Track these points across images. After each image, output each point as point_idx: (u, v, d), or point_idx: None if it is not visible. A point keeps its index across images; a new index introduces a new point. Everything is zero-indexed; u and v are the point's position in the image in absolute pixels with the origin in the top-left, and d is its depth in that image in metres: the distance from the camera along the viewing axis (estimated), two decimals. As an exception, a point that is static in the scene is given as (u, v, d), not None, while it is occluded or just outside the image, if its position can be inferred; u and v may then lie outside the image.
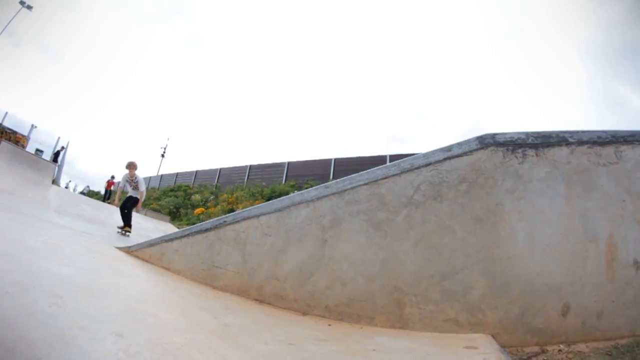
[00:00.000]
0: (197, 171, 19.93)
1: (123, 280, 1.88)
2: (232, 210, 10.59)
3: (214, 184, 17.10)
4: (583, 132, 1.72)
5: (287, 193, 11.52)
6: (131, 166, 5.54)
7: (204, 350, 1.32)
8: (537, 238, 1.61)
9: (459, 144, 1.67)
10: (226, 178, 17.48)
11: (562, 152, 1.67)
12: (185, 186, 17.65)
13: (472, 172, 1.62)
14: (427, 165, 1.64)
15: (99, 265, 1.99)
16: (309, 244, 1.75)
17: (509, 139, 1.64)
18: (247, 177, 16.35)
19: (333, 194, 1.74)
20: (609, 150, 1.73)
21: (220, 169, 18.41)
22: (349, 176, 1.75)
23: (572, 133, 1.70)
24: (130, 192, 5.54)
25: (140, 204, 5.54)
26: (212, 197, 13.51)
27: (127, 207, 5.41)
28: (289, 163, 15.47)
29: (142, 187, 5.54)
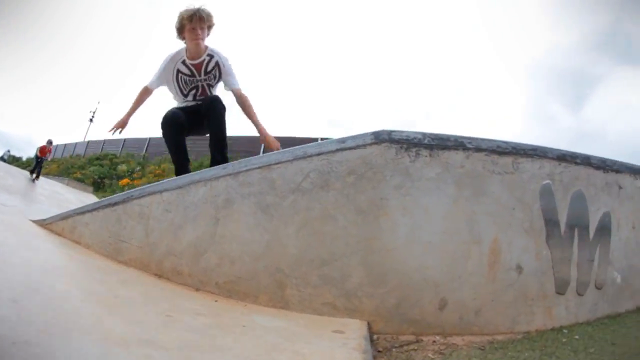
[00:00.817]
0: (125, 139, 18.47)
1: (30, 254, 1.92)
2: (158, 184, 10.56)
3: (142, 154, 16.26)
4: (483, 140, 1.73)
5: (214, 168, 11.31)
6: (196, 20, 2.25)
7: (87, 317, 1.38)
8: (418, 234, 1.64)
9: (354, 137, 1.67)
10: (155, 148, 16.43)
11: (457, 156, 1.67)
12: (112, 155, 16.49)
13: (362, 165, 1.63)
14: (319, 154, 1.65)
15: (8, 239, 2.03)
16: (203, 222, 1.79)
17: (404, 137, 1.64)
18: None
19: (229, 174, 1.76)
20: (507, 160, 1.73)
21: (150, 138, 17.26)
22: (245, 159, 1.76)
23: (471, 139, 1.71)
24: (183, 103, 2.42)
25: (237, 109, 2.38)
26: (138, 168, 12.78)
27: (206, 130, 2.39)
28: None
29: (236, 81, 2.38)
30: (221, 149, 2.43)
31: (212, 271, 1.77)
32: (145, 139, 17.48)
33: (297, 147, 1.71)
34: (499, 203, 1.73)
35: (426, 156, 1.65)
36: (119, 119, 2.48)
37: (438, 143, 1.66)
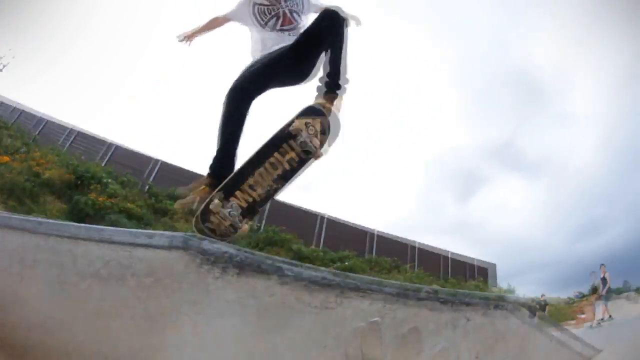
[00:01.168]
0: (23, 111, 15.74)
1: None
2: (37, 175, 9.12)
3: (35, 134, 14.05)
4: (308, 269, 1.58)
5: (99, 178, 10.18)
6: None
7: None
8: (205, 357, 1.53)
9: (163, 235, 1.54)
10: (50, 131, 14.60)
11: (269, 282, 1.53)
12: (3, 122, 13.68)
13: (162, 269, 1.51)
14: (123, 243, 1.53)
15: None
16: (9, 275, 1.70)
17: (215, 250, 1.50)
18: (71, 142, 14.02)
19: (42, 234, 1.65)
20: (331, 293, 1.58)
21: (47, 120, 15.24)
22: (62, 223, 1.65)
23: (292, 266, 1.55)
24: (266, 45, 2.13)
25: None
26: (24, 149, 10.96)
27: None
28: (116, 147, 13.61)
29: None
30: (336, 76, 2.03)
31: (10, 331, 1.69)
32: (44, 119, 15.08)
33: (109, 228, 1.59)
34: (308, 338, 1.59)
35: (233, 275, 1.51)
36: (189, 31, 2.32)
37: (251, 263, 1.52)
